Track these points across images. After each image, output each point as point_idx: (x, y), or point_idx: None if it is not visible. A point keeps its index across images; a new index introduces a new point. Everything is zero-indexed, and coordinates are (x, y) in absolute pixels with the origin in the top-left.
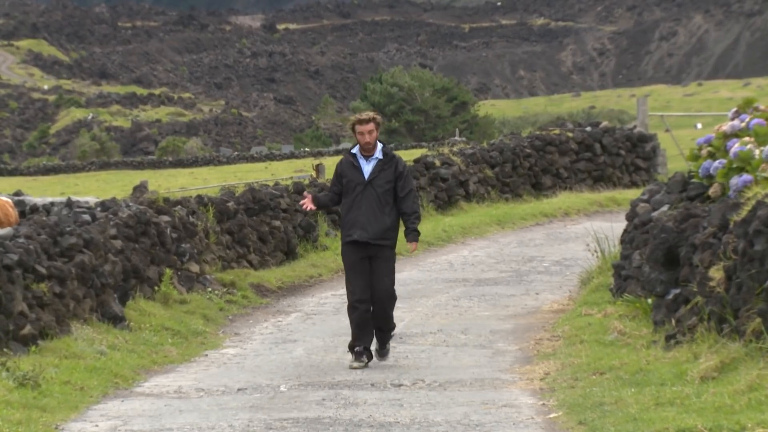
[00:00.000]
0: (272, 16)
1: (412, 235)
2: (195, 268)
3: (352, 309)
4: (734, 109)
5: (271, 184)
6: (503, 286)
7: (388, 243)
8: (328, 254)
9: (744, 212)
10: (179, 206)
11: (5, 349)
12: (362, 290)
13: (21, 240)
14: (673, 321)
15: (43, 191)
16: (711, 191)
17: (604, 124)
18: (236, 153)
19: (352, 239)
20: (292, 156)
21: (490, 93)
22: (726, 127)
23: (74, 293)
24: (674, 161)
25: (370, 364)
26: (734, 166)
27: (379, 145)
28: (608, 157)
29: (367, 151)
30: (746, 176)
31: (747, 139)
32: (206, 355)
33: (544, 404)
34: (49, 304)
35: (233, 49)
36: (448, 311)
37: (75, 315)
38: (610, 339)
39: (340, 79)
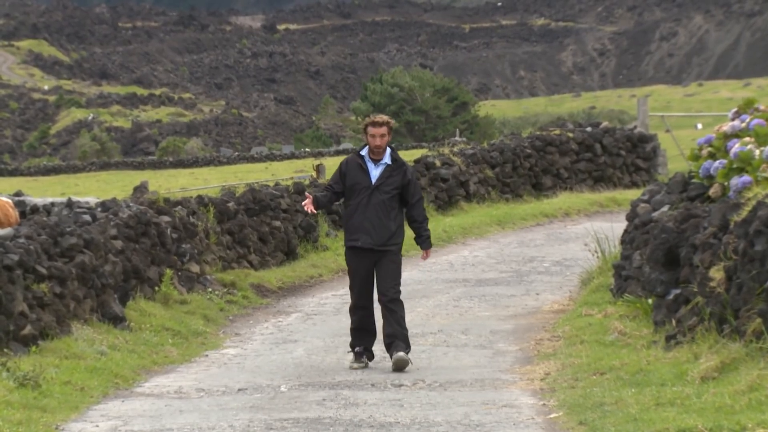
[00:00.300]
0: (272, 17)
1: (427, 242)
2: (195, 268)
3: (353, 311)
4: (734, 110)
5: (271, 184)
6: (504, 287)
7: (393, 248)
8: (329, 254)
9: (744, 212)
10: (180, 206)
11: (6, 350)
12: (365, 297)
13: (21, 240)
14: (674, 321)
15: (43, 191)
16: (711, 191)
17: (605, 124)
18: (237, 153)
19: (357, 245)
20: (292, 156)
21: (491, 93)
22: (726, 127)
23: (75, 293)
24: (675, 161)
25: (370, 364)
26: (735, 166)
27: (388, 150)
28: (609, 157)
29: (376, 155)
30: (746, 177)
31: (747, 139)
32: (207, 355)
33: (544, 404)
34: (49, 304)
35: (233, 49)
36: (449, 311)
37: (75, 315)
38: (611, 339)
39: (341, 79)
